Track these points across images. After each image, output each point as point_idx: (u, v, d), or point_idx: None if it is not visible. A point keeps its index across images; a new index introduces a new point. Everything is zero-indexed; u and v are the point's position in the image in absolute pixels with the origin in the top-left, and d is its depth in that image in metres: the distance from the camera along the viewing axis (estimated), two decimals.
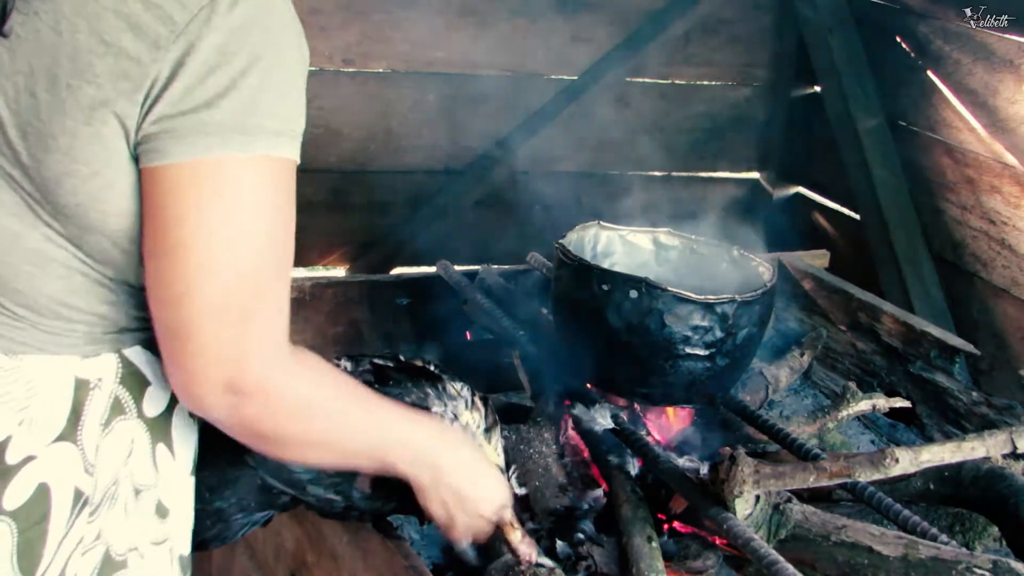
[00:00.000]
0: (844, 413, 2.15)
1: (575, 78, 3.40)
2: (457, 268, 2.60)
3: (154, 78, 0.97)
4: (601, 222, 2.20)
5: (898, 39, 3.18)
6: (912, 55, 3.13)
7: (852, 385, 2.19)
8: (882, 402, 2.18)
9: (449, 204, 3.40)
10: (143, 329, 1.15)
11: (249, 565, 1.83)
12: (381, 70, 3.22)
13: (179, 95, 0.97)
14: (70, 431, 1.09)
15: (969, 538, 1.89)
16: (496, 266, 2.62)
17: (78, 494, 1.11)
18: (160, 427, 1.20)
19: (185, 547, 1.29)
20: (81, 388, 1.11)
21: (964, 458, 1.60)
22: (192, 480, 1.29)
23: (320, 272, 3.47)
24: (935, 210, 3.12)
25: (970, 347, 2.38)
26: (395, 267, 3.42)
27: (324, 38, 3.09)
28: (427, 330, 2.52)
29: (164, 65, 0.96)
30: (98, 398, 1.12)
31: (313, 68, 3.14)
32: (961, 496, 1.84)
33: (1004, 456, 1.76)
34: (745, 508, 1.62)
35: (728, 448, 1.61)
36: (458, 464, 1.37)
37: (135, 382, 1.16)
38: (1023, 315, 2.87)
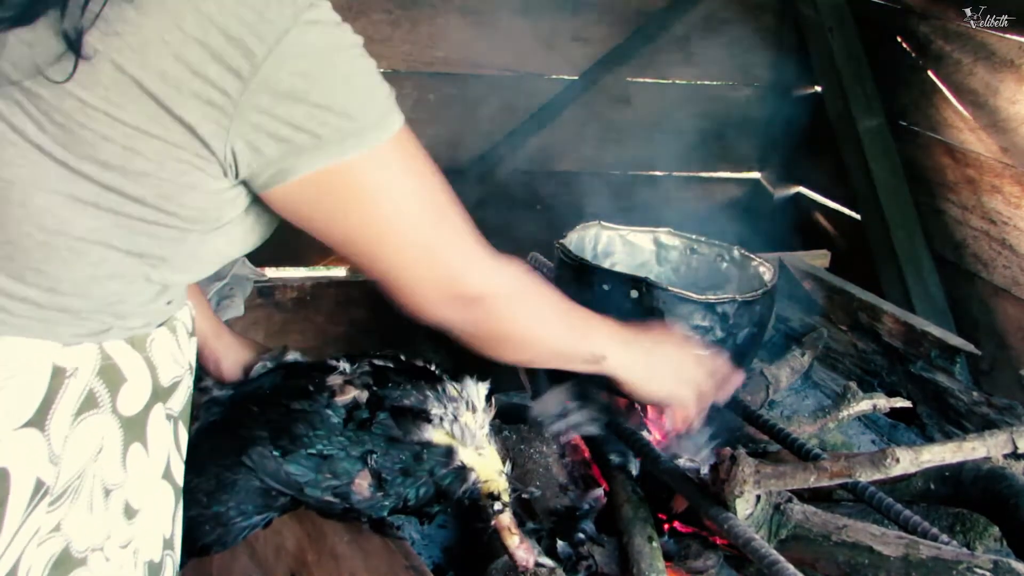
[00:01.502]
0: (845, 413, 2.15)
1: (576, 78, 3.39)
2: None
3: (242, 108, 1.02)
4: (602, 222, 2.20)
5: (898, 39, 3.17)
6: (913, 55, 3.13)
7: (853, 385, 2.19)
8: (883, 402, 2.18)
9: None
10: (135, 326, 1.16)
11: (250, 564, 1.82)
12: (382, 70, 3.20)
13: (281, 122, 1.04)
14: (39, 418, 1.08)
15: (970, 538, 1.89)
16: None
17: (39, 483, 1.09)
18: (136, 427, 1.19)
19: (154, 552, 1.27)
20: (57, 376, 1.10)
21: (965, 458, 1.60)
22: (164, 484, 1.27)
23: (321, 272, 3.47)
24: (936, 210, 3.12)
25: (971, 347, 2.38)
26: None
27: None
28: (428, 330, 2.52)
29: (250, 96, 1.01)
30: (73, 388, 1.11)
31: None
32: (962, 496, 1.84)
33: (1005, 456, 1.76)
34: (746, 508, 1.62)
35: (729, 448, 1.61)
36: (654, 340, 1.60)
37: (112, 377, 1.15)
38: None
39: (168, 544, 1.30)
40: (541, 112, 3.38)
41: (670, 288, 1.84)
